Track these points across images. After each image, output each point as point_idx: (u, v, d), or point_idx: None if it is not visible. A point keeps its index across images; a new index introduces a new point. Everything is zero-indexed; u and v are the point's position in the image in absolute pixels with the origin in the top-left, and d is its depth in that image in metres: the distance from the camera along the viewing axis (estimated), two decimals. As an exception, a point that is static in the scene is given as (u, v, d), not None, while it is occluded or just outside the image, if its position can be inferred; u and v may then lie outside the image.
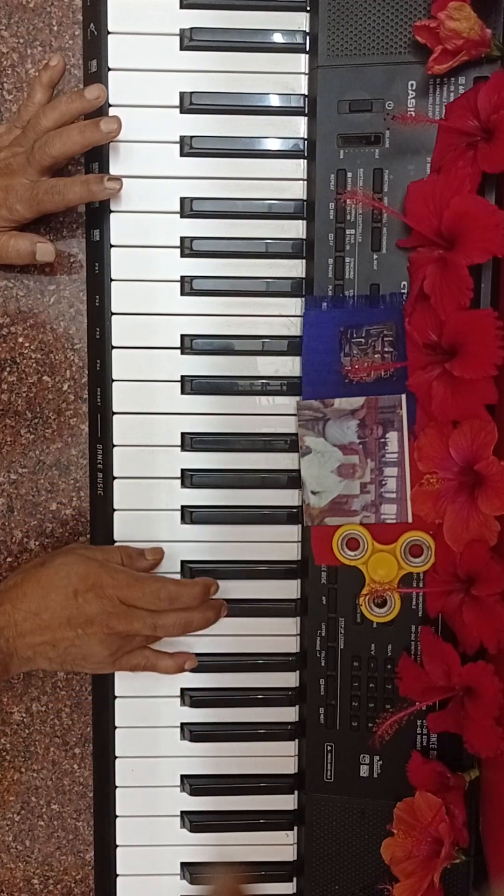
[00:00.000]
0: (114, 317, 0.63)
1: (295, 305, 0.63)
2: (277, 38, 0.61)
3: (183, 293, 0.63)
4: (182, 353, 0.64)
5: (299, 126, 0.62)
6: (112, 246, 0.63)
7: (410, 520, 0.61)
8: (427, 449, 0.59)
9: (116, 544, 0.64)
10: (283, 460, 0.64)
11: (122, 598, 0.59)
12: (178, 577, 0.65)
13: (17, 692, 0.69)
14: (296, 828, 0.67)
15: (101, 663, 0.60)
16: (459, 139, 0.57)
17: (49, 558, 0.61)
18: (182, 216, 0.63)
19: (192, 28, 0.61)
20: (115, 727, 0.66)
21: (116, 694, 0.66)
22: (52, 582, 0.59)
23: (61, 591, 0.58)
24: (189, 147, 0.62)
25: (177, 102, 0.62)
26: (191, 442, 0.64)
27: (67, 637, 0.58)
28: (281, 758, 0.67)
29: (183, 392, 0.64)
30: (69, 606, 0.58)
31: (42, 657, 0.59)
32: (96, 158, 0.62)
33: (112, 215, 0.62)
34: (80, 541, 0.67)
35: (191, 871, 0.67)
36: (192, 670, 0.64)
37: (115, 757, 0.66)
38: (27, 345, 0.67)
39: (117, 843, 0.67)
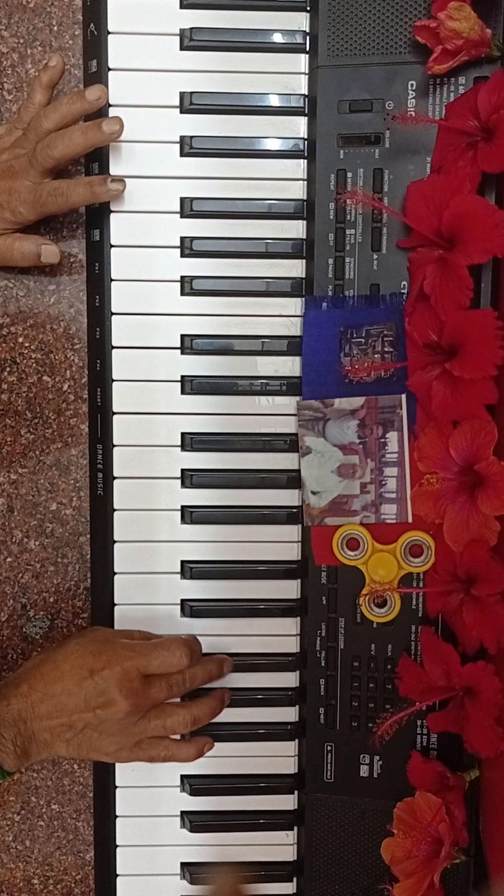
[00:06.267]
0: (114, 317, 0.63)
1: (295, 305, 0.63)
2: (277, 38, 0.61)
3: (183, 293, 0.63)
4: (182, 353, 0.64)
5: (299, 126, 0.62)
6: (112, 246, 0.63)
7: (410, 520, 0.61)
8: (427, 449, 0.59)
9: (116, 544, 0.65)
10: (283, 460, 0.64)
11: (141, 667, 0.59)
12: (177, 576, 0.65)
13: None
14: (296, 828, 0.67)
15: (118, 746, 0.59)
16: (459, 139, 0.57)
17: (65, 640, 0.61)
18: (182, 216, 0.63)
19: (192, 28, 0.61)
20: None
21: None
22: (68, 661, 0.58)
23: (76, 672, 0.58)
24: (189, 147, 0.62)
25: (177, 102, 0.62)
26: (191, 442, 0.64)
27: (84, 718, 0.58)
28: (281, 758, 0.67)
29: (183, 392, 0.64)
30: (86, 686, 0.58)
31: (60, 740, 0.58)
32: (96, 158, 0.62)
33: (112, 215, 0.62)
34: (80, 541, 0.68)
35: (191, 871, 0.67)
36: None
37: (115, 757, 0.66)
38: (27, 345, 0.67)
39: (117, 843, 0.67)
